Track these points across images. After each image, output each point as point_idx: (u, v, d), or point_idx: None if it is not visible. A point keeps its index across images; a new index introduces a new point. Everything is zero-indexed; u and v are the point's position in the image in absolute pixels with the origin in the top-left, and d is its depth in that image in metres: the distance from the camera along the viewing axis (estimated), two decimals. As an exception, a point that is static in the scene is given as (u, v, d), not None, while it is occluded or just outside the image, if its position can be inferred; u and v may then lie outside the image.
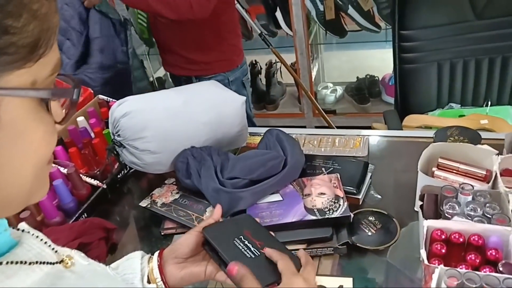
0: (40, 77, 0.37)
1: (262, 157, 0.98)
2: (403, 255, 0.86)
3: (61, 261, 0.50)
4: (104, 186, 1.10)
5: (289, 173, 0.97)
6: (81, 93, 1.39)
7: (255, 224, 0.77)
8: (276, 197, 0.94)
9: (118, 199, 1.15)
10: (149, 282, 0.71)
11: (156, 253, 0.73)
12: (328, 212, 0.87)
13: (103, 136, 1.20)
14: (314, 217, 0.87)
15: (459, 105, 1.74)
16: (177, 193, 1.02)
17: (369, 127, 2.01)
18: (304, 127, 2.64)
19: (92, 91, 1.38)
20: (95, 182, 1.10)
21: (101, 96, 1.37)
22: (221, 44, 1.59)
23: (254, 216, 0.88)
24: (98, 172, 1.14)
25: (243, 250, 0.69)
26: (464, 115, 1.65)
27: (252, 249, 0.69)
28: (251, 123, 1.62)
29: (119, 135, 1.01)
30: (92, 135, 1.24)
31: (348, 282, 0.79)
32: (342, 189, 0.93)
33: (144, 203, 1.02)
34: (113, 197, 1.15)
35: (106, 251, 0.98)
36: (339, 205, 0.88)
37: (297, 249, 0.83)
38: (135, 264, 0.72)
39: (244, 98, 1.12)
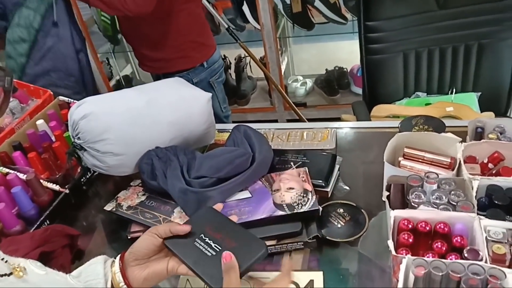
0: None
1: (229, 154, 0.96)
2: (373, 245, 0.86)
3: (11, 273, 0.48)
4: (67, 191, 1.06)
5: (257, 169, 0.95)
6: (41, 94, 1.34)
7: (215, 215, 0.77)
8: (245, 194, 0.93)
9: (83, 203, 1.11)
10: (113, 286, 0.69)
11: (118, 257, 0.71)
12: (297, 206, 0.86)
13: (64, 139, 1.16)
14: (283, 213, 0.86)
15: (425, 94, 1.77)
16: (143, 195, 0.99)
17: (339, 119, 2.02)
18: (276, 120, 2.63)
19: (52, 93, 1.32)
20: (57, 187, 1.06)
21: (61, 98, 1.31)
22: (177, 40, 1.56)
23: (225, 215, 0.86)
24: (59, 177, 1.10)
25: (204, 249, 0.69)
26: (430, 103, 1.68)
27: (213, 245, 0.70)
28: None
29: (79, 138, 0.97)
30: (53, 138, 1.19)
31: (318, 276, 0.78)
32: (310, 182, 0.92)
33: (109, 207, 0.98)
34: (77, 202, 1.11)
35: (71, 258, 0.94)
36: (308, 199, 0.88)
37: (269, 245, 0.83)
38: (98, 269, 0.69)
39: (210, 94, 1.10)
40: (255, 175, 0.96)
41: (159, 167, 0.96)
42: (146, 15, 1.40)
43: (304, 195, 0.89)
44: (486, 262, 0.63)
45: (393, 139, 0.91)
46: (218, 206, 0.81)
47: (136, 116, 0.98)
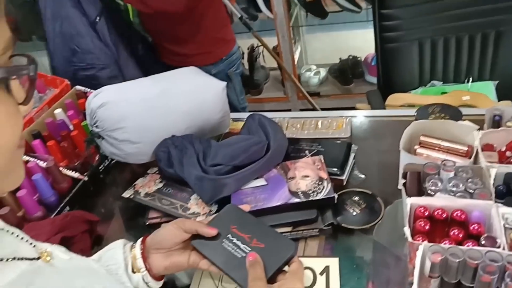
0: None
1: (244, 142, 0.97)
2: (388, 233, 0.86)
3: (39, 257, 0.49)
4: (86, 179, 1.08)
5: (272, 157, 0.96)
6: (58, 84, 1.36)
7: (240, 214, 0.76)
8: (260, 182, 0.94)
9: (101, 191, 1.13)
10: (133, 271, 0.70)
11: (139, 242, 0.72)
12: (312, 194, 0.87)
13: (81, 128, 1.18)
14: (298, 200, 0.86)
15: (441, 83, 1.75)
16: (160, 182, 1.01)
17: (353, 108, 2.01)
18: (289, 110, 2.63)
19: (69, 83, 1.34)
20: (75, 175, 1.08)
21: (78, 87, 1.33)
22: (200, 37, 1.56)
23: (239, 202, 0.88)
24: (78, 165, 1.12)
25: (232, 251, 0.70)
26: (446, 92, 1.66)
27: (242, 246, 0.70)
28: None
29: (97, 126, 0.99)
30: (71, 127, 1.21)
31: (334, 262, 0.79)
32: (325, 170, 0.92)
33: (127, 194, 1.00)
34: (95, 189, 1.13)
35: (91, 243, 0.96)
36: (323, 186, 0.88)
37: (284, 232, 0.84)
38: (117, 254, 0.71)
39: (224, 83, 1.10)
40: (270, 163, 0.96)
41: (175, 155, 0.97)
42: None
43: (320, 182, 0.89)
44: (503, 249, 0.63)
45: (409, 127, 0.91)
46: (245, 207, 0.79)
47: (151, 105, 0.99)
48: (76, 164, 1.13)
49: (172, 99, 1.02)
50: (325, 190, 0.87)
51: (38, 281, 0.44)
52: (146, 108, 0.99)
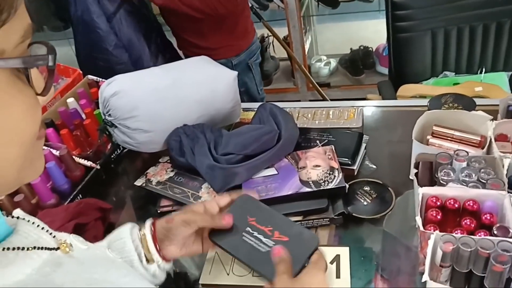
0: (8, 46, 0.34)
1: (256, 131, 0.97)
2: (399, 223, 0.86)
3: (59, 248, 0.50)
4: (98, 167, 1.10)
5: (283, 147, 0.96)
6: (70, 73, 1.37)
7: (256, 205, 0.75)
8: (271, 171, 0.94)
9: (113, 179, 1.14)
10: (147, 260, 0.70)
11: (148, 231, 0.70)
12: (323, 183, 0.87)
13: (94, 116, 1.19)
14: (309, 189, 0.87)
15: (454, 73, 1.73)
16: (171, 171, 1.01)
17: (364, 99, 2.00)
18: (299, 101, 2.62)
19: (81, 72, 1.35)
20: (88, 163, 1.09)
21: (90, 77, 1.34)
22: (221, 30, 1.54)
23: (250, 190, 0.88)
24: (91, 153, 1.13)
25: (255, 245, 0.69)
26: (458, 83, 1.65)
27: (264, 240, 0.69)
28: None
29: (110, 114, 1.00)
30: (83, 116, 1.22)
31: (344, 251, 0.79)
32: (337, 160, 0.92)
33: (139, 182, 1.01)
34: (107, 178, 1.14)
35: (103, 231, 0.97)
36: (334, 176, 0.88)
37: (295, 221, 0.85)
38: (128, 246, 0.69)
39: (236, 73, 1.10)
40: (281, 153, 0.97)
41: (187, 144, 0.98)
42: None
43: (331, 172, 0.89)
44: (516, 239, 0.63)
45: (422, 117, 0.91)
46: (253, 194, 0.78)
47: (163, 94, 1.00)
48: (88, 152, 1.14)
49: (184, 89, 1.03)
50: (336, 180, 0.87)
51: (60, 271, 0.45)
52: (158, 97, 0.99)
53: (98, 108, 1.09)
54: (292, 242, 0.67)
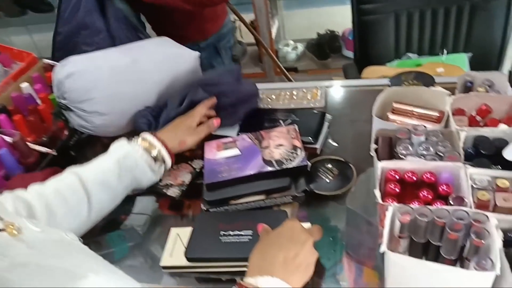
0: None
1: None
2: (362, 200, 0.87)
3: (4, 229, 0.47)
4: (54, 153, 1.05)
5: (245, 98, 1.02)
6: (24, 57, 1.30)
7: (216, 215, 0.82)
8: (234, 152, 0.93)
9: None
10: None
11: (157, 143, 0.86)
12: (286, 162, 0.86)
13: (49, 101, 1.14)
14: (272, 168, 0.86)
15: (416, 55, 1.75)
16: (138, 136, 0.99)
17: (330, 82, 2.01)
18: (266, 86, 2.62)
19: (35, 56, 1.29)
20: (44, 149, 1.05)
21: (45, 60, 1.28)
22: (199, 19, 1.48)
23: (213, 172, 0.87)
24: (47, 139, 1.08)
25: (237, 240, 0.73)
26: (421, 65, 1.67)
27: (243, 232, 0.74)
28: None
29: (64, 98, 0.96)
30: (38, 101, 1.17)
31: (306, 227, 0.78)
32: (299, 139, 0.92)
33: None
34: (66, 164, 1.09)
35: None
36: (297, 155, 0.88)
37: (258, 200, 0.84)
38: (141, 163, 0.83)
39: (197, 53, 1.08)
40: (245, 104, 1.01)
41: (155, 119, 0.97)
42: None
43: (293, 151, 0.89)
44: (470, 208, 0.64)
45: (382, 94, 0.91)
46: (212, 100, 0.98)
47: (121, 75, 0.96)
48: (44, 138, 1.09)
49: (143, 69, 1.00)
50: (299, 158, 0.87)
51: (9, 253, 0.43)
52: (115, 79, 0.96)
53: (53, 92, 1.04)
54: (266, 224, 0.71)
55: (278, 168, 0.86)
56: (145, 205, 0.96)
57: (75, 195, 0.76)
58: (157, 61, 1.01)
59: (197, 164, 0.96)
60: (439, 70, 1.60)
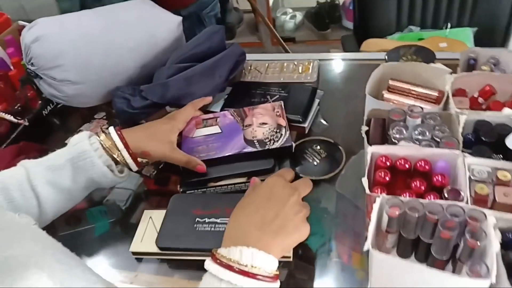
0: None
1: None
2: (351, 183, 0.81)
3: None
4: (26, 123, 0.98)
5: (223, 58, 0.93)
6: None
7: (192, 197, 0.76)
8: (215, 129, 0.86)
9: (47, 137, 1.03)
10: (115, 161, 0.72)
11: (119, 142, 0.71)
12: (268, 143, 0.80)
13: (22, 67, 1.06)
14: (253, 149, 0.79)
15: (419, 28, 1.66)
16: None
17: (327, 54, 1.92)
18: (262, 56, 2.52)
19: (9, 17, 1.20)
20: (15, 119, 0.98)
21: (21, 22, 1.19)
22: None
23: (189, 151, 0.80)
24: (19, 108, 1.01)
25: (213, 229, 0.68)
26: (423, 38, 1.58)
27: (219, 220, 0.69)
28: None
29: (32, 64, 0.88)
30: (12, 67, 1.09)
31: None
32: (285, 117, 0.85)
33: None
34: (40, 135, 1.03)
35: None
36: (281, 135, 0.81)
37: (238, 183, 0.78)
38: (97, 164, 0.69)
39: (180, 18, 0.99)
40: (220, 65, 0.93)
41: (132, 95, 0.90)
42: None
43: (277, 130, 0.82)
44: (467, 202, 0.58)
45: (377, 70, 0.83)
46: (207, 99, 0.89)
47: (94, 40, 0.88)
48: (16, 107, 1.02)
49: (118, 34, 0.91)
50: (283, 139, 0.80)
51: None
52: (87, 44, 0.88)
53: (24, 57, 0.96)
54: None
55: (260, 149, 0.79)
56: (129, 179, 0.89)
57: (23, 195, 0.66)
58: (133, 25, 0.93)
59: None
60: (442, 45, 1.52)
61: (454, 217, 0.55)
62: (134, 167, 0.74)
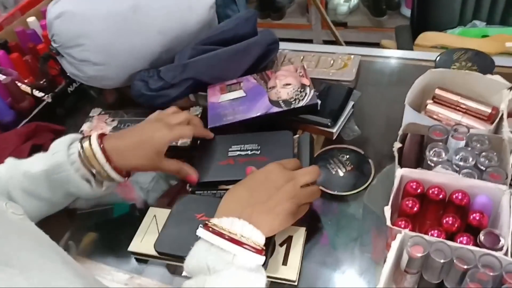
0: None
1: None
2: (380, 197, 0.72)
3: None
4: (49, 100, 0.96)
5: (251, 44, 0.88)
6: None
7: (201, 200, 0.70)
8: (239, 93, 0.84)
9: (70, 114, 1.01)
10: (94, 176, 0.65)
11: (98, 152, 0.63)
12: (294, 102, 0.78)
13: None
14: (279, 109, 0.78)
15: (485, 23, 1.49)
16: (112, 120, 0.88)
17: (378, 44, 1.79)
18: (311, 41, 2.40)
19: (47, -14, 1.18)
20: (39, 94, 0.96)
21: (59, -7, 1.17)
22: None
23: (217, 116, 0.81)
24: (45, 83, 0.99)
25: None
26: (488, 36, 1.42)
27: None
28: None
29: (54, 40, 0.85)
30: (43, 39, 1.07)
31: (299, 233, 0.65)
32: (308, 77, 0.83)
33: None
34: (64, 113, 1.01)
35: None
36: (305, 94, 0.79)
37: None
38: (72, 178, 0.63)
39: (213, 0, 0.92)
40: (249, 50, 0.87)
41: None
42: None
43: (302, 90, 0.80)
44: (506, 253, 0.48)
45: (422, 77, 0.73)
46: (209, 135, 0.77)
47: (120, 21, 0.83)
48: (42, 82, 1.00)
49: (146, 16, 0.86)
50: (308, 97, 0.79)
51: None
52: (112, 24, 0.83)
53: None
54: None
55: (285, 108, 0.78)
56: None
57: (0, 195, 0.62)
58: (163, 7, 0.87)
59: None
60: (509, 45, 1.35)
61: (487, 269, 0.46)
62: (120, 179, 0.67)
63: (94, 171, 0.63)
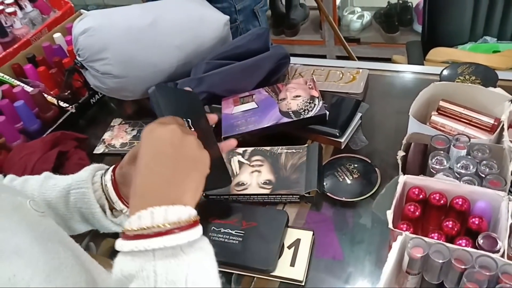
0: None
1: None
2: (387, 206, 0.75)
3: None
4: (73, 110, 1.02)
5: (265, 59, 0.92)
6: (62, 6, 1.27)
7: (215, 204, 0.75)
8: (251, 105, 0.89)
9: (92, 125, 1.07)
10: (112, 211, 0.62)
11: (109, 178, 0.61)
12: (303, 113, 0.82)
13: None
14: (289, 119, 0.82)
15: (496, 39, 1.51)
16: (132, 129, 0.93)
17: (390, 60, 1.82)
18: (325, 56, 2.44)
19: (72, 5, 1.25)
20: (64, 105, 1.02)
21: (83, 11, 1.24)
22: None
23: (230, 126, 0.85)
24: (69, 95, 1.05)
25: (226, 240, 0.68)
26: (499, 51, 1.44)
27: (234, 232, 0.68)
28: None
29: (79, 54, 0.91)
30: (68, 54, 1.14)
31: (307, 236, 0.69)
32: (317, 89, 0.87)
33: (98, 150, 0.94)
34: (84, 124, 1.07)
35: (86, 154, 0.91)
36: (314, 105, 0.84)
37: (261, 194, 0.75)
38: (88, 197, 0.61)
39: (227, 17, 0.98)
40: (261, 64, 0.92)
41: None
42: None
43: (311, 101, 0.85)
44: (503, 255, 0.51)
45: (426, 89, 0.76)
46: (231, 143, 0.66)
47: (139, 36, 0.89)
48: (67, 94, 1.06)
49: (164, 31, 0.91)
50: (316, 108, 0.83)
51: None
52: (131, 39, 0.89)
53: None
54: (261, 225, 0.68)
55: (295, 118, 0.82)
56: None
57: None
58: (180, 23, 0.93)
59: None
60: (518, 61, 1.37)
61: (484, 270, 0.49)
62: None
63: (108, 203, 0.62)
